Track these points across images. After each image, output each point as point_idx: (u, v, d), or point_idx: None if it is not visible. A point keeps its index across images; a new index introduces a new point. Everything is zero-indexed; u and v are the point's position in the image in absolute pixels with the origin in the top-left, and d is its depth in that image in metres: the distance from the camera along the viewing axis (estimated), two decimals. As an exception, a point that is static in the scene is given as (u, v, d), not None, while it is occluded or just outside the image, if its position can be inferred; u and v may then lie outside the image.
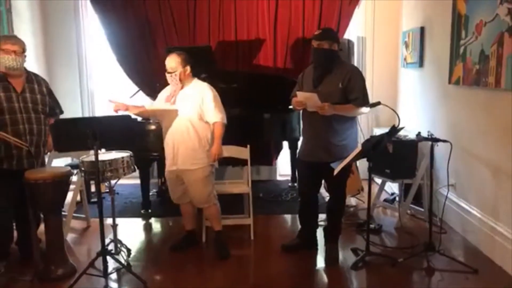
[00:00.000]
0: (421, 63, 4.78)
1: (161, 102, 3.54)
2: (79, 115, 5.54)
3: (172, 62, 3.36)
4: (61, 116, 3.57)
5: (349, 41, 5.23)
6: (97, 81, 6.00)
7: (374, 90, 5.40)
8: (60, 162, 4.55)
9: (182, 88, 3.44)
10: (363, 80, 3.37)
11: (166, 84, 3.55)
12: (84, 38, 5.75)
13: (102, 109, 5.91)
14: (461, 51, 3.80)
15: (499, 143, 3.31)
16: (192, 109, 3.39)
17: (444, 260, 3.35)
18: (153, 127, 4.35)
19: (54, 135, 2.87)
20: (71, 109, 4.98)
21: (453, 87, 4.02)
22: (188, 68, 3.40)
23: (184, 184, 3.52)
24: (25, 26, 5.05)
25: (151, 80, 5.50)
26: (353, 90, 3.28)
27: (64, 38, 5.63)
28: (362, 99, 3.30)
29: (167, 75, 3.40)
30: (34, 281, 3.11)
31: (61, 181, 3.11)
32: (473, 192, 3.76)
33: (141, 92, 5.48)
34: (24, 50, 3.22)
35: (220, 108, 3.44)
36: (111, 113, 3.36)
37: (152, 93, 5.48)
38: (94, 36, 5.80)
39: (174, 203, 3.70)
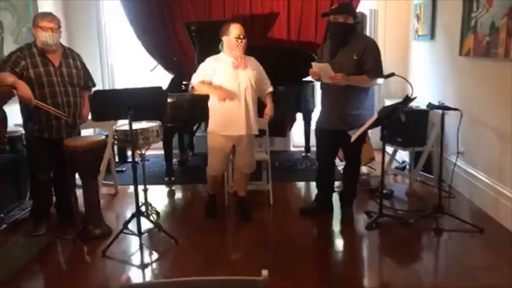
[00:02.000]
0: (432, 35, 4.91)
1: (227, 70, 3.51)
2: (99, 88, 5.74)
3: (241, 28, 3.50)
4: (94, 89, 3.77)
5: (362, 14, 5.36)
6: (116, 55, 6.19)
7: (386, 62, 5.51)
8: (86, 133, 4.78)
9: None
10: (378, 52, 3.54)
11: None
12: (103, 12, 5.92)
13: (122, 82, 6.12)
14: (472, 23, 3.95)
15: (506, 112, 3.50)
16: (254, 78, 3.57)
17: (452, 221, 3.58)
18: (171, 99, 4.56)
19: (93, 106, 3.09)
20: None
21: (463, 59, 4.18)
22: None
23: (230, 153, 3.71)
24: (47, 1, 5.22)
25: (168, 54, 5.71)
26: (367, 62, 3.45)
27: (84, 13, 5.79)
28: (376, 71, 3.48)
29: (238, 41, 3.46)
30: (76, 240, 3.40)
31: (98, 149, 3.37)
32: (480, 158, 3.97)
33: (159, 66, 5.68)
34: (59, 27, 3.40)
35: None
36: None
37: (170, 67, 5.70)
38: (113, 11, 5.94)
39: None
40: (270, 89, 3.76)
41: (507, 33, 3.38)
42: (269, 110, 3.75)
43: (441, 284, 2.92)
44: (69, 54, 3.53)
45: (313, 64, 3.55)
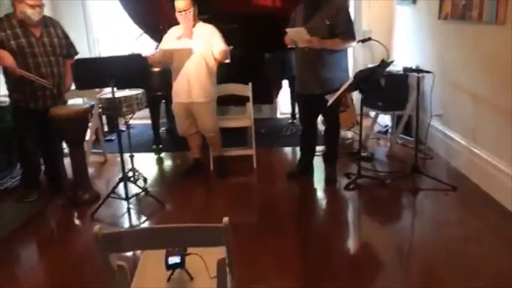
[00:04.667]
0: (414, -1, 4.95)
1: (172, 40, 3.78)
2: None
3: (183, 1, 3.63)
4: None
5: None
6: (101, 26, 6.17)
7: (370, 26, 5.60)
8: (74, 102, 4.85)
9: (194, 26, 3.72)
10: (349, 15, 3.64)
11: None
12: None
13: (108, 53, 6.12)
14: (450, -14, 3.99)
15: (481, 74, 3.60)
16: (204, 46, 3.71)
17: (428, 181, 3.73)
18: (157, 68, 4.61)
19: (76, 74, 3.15)
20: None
21: (442, 22, 4.24)
22: (195, 8, 3.71)
23: (192, 116, 3.90)
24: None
25: (154, 23, 5.70)
26: (340, 25, 3.54)
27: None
28: (348, 33, 3.58)
29: (179, 15, 3.66)
30: (65, 205, 3.54)
31: (82, 117, 3.46)
32: (456, 120, 4.09)
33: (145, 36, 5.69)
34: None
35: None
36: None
37: (156, 36, 5.70)
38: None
39: (182, 139, 4.09)
40: (220, 47, 3.73)
41: (482, -5, 3.43)
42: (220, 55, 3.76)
43: (415, 239, 3.09)
44: (49, 23, 3.55)
45: (288, 30, 3.62)
